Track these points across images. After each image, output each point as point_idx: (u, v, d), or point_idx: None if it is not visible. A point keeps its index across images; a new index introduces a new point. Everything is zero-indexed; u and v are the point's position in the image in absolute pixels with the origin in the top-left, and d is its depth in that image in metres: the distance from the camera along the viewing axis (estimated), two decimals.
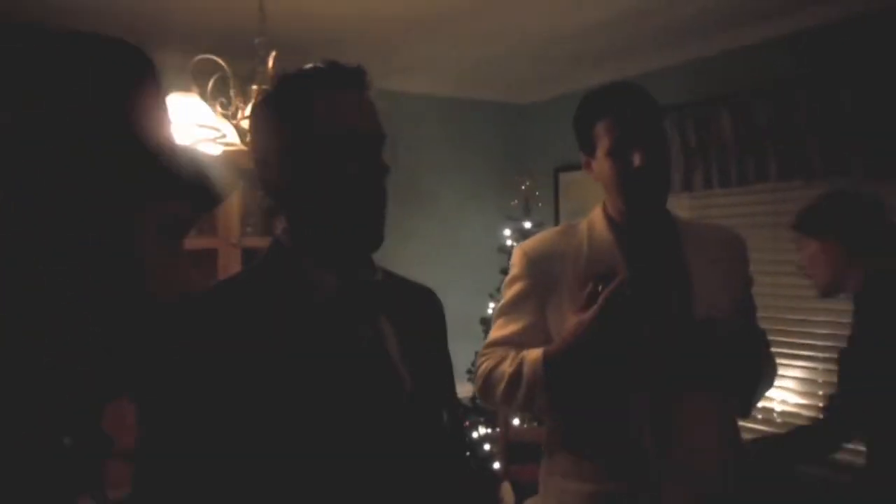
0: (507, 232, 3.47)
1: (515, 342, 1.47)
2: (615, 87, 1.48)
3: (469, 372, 2.82)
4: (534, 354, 1.38)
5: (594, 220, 1.51)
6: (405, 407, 1.04)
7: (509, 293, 1.52)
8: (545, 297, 1.47)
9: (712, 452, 1.41)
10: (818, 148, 2.62)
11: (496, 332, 1.51)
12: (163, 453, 0.95)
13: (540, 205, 3.62)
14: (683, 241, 1.48)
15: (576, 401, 1.41)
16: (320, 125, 1.00)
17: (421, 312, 1.17)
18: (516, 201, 3.60)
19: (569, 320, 1.36)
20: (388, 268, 1.14)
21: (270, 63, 1.96)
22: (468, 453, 1.33)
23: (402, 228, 3.63)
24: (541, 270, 1.48)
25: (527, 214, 3.49)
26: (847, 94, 2.52)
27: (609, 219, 1.49)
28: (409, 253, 3.55)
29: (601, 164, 1.44)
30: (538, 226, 3.34)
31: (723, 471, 1.43)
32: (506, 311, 1.52)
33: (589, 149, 1.47)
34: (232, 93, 2.01)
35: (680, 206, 3.23)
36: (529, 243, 1.55)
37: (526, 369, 1.38)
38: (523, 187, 3.51)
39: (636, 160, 1.38)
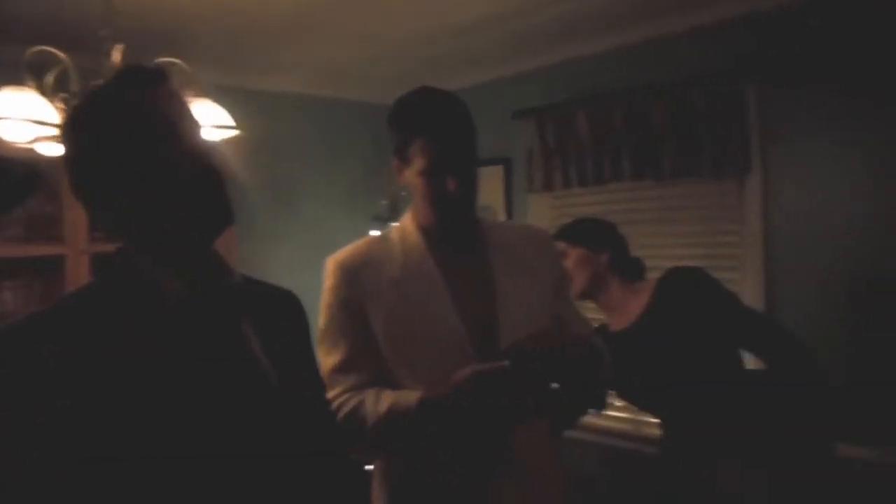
0: (375, 233, 3.42)
1: (351, 369, 1.43)
2: (434, 103, 1.44)
3: None
4: (407, 402, 1.35)
5: (406, 228, 1.52)
6: (273, 404, 1.04)
7: (327, 308, 1.47)
8: (365, 306, 1.44)
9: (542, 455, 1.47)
10: (669, 150, 2.78)
11: (328, 361, 1.46)
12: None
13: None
14: (489, 244, 1.51)
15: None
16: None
17: (281, 314, 1.16)
18: (385, 202, 3.59)
19: (446, 377, 1.32)
20: (258, 272, 1.13)
21: (116, 57, 1.83)
22: (343, 446, 1.28)
23: (271, 233, 3.54)
24: (356, 280, 1.45)
25: (394, 215, 3.48)
26: (699, 97, 2.69)
27: (420, 227, 1.50)
28: (279, 257, 3.46)
29: (413, 177, 1.43)
30: None
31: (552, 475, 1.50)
32: (329, 334, 1.47)
33: (402, 157, 1.45)
34: (74, 88, 1.85)
35: (542, 205, 3.35)
36: (342, 254, 1.50)
37: (399, 413, 1.35)
38: (391, 187, 3.49)
39: (450, 186, 1.39)
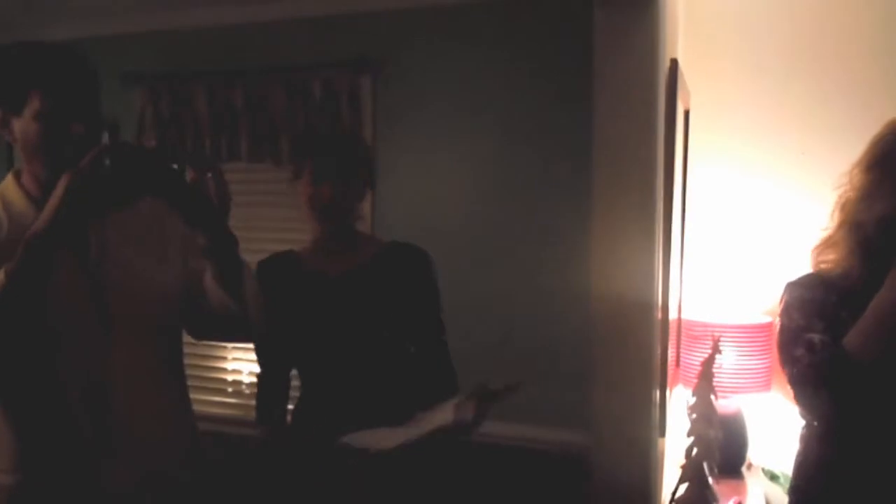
0: None
1: None
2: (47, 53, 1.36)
3: None
4: None
5: (7, 194, 1.38)
6: None
7: None
8: None
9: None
10: (287, 135, 2.80)
11: None
12: None
13: None
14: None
15: None
16: None
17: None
18: None
19: None
20: None
21: None
22: None
23: None
24: None
25: None
26: (317, 85, 2.75)
27: (25, 191, 1.38)
28: None
29: (27, 125, 1.32)
30: None
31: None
32: None
33: (10, 106, 1.33)
34: None
35: None
36: None
37: None
38: None
39: (75, 130, 1.32)
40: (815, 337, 1.49)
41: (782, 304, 1.61)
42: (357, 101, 2.73)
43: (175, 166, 1.25)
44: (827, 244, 1.59)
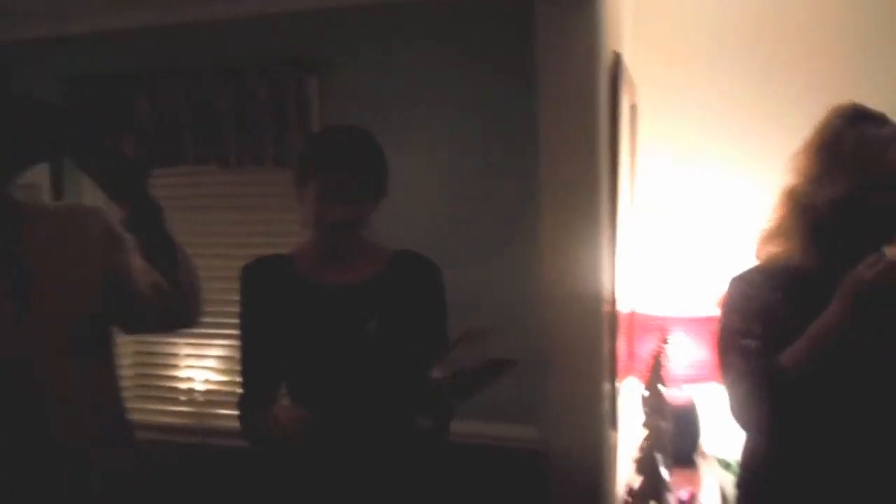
0: None
1: None
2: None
3: None
4: None
5: None
6: None
7: None
8: None
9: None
10: (232, 136, 2.75)
11: None
12: None
13: None
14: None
15: None
16: None
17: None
18: None
19: None
20: None
21: None
22: None
23: None
24: None
25: None
26: (261, 84, 2.70)
27: None
28: None
29: None
30: None
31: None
32: None
33: None
34: None
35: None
36: None
37: None
38: None
39: None
40: (752, 344, 1.49)
41: (724, 300, 1.61)
42: (304, 102, 2.70)
43: (87, 125, 1.18)
44: (774, 233, 1.57)
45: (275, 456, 1.64)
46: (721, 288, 1.62)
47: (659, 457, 2.04)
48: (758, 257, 1.62)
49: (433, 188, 2.59)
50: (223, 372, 2.94)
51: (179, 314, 1.51)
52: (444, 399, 1.49)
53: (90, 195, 3.05)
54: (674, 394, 2.22)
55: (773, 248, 1.56)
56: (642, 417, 2.06)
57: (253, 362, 1.67)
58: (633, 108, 2.50)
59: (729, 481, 2.36)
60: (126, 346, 3.03)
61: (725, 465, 2.40)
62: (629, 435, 2.41)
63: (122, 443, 1.56)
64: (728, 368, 1.53)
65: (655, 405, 2.06)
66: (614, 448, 2.27)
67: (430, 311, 1.65)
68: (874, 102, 1.54)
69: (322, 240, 1.62)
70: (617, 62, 2.05)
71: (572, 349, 1.86)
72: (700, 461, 2.54)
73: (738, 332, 1.50)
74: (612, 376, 2.06)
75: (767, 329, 1.48)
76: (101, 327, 1.51)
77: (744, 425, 1.54)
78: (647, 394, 2.06)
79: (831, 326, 1.40)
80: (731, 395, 1.53)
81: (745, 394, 1.50)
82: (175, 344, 2.99)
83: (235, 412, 1.67)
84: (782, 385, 1.44)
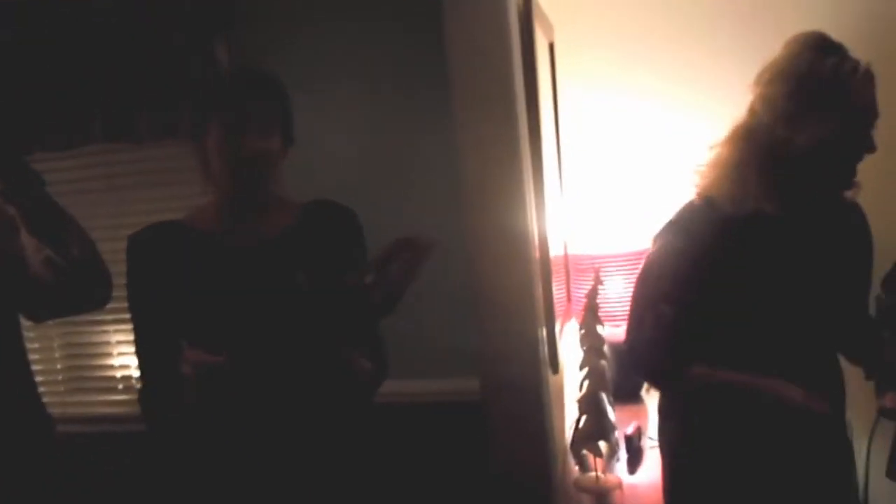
0: None
1: None
2: None
3: None
4: None
5: None
6: None
7: None
8: None
9: None
10: (144, 110, 2.61)
11: None
12: None
13: None
14: None
15: None
16: None
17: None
18: None
19: None
20: None
21: None
22: None
23: None
24: None
25: None
26: (170, 52, 2.56)
27: None
28: None
29: None
30: None
31: None
32: None
33: None
34: None
35: None
36: None
37: None
38: None
39: None
40: (666, 311, 1.45)
41: (649, 254, 1.55)
42: (213, 65, 2.57)
43: None
44: (721, 175, 1.47)
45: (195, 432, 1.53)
46: (657, 220, 1.58)
47: (602, 395, 2.03)
48: (698, 189, 1.53)
49: (350, 139, 2.52)
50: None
51: (82, 293, 1.42)
52: (372, 305, 1.39)
53: None
54: (613, 332, 2.20)
55: (718, 191, 1.47)
56: (580, 358, 2.05)
57: (155, 345, 1.50)
58: (552, 46, 2.45)
59: None
60: (53, 339, 2.92)
61: None
62: (573, 378, 2.41)
63: (37, 437, 1.48)
64: (631, 335, 1.52)
65: (593, 345, 2.04)
66: (559, 392, 2.27)
67: (351, 257, 1.55)
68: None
69: (231, 187, 1.48)
70: (528, 2, 1.99)
71: (504, 294, 1.83)
72: (645, 396, 2.56)
73: (652, 300, 1.48)
74: (550, 320, 2.04)
75: (683, 297, 1.45)
76: (2, 315, 1.41)
77: (631, 369, 1.56)
78: (583, 334, 2.04)
79: (767, 394, 1.41)
80: (629, 345, 1.52)
81: (639, 361, 1.51)
82: (105, 332, 2.89)
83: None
84: (673, 385, 1.45)
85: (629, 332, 1.54)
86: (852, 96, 1.36)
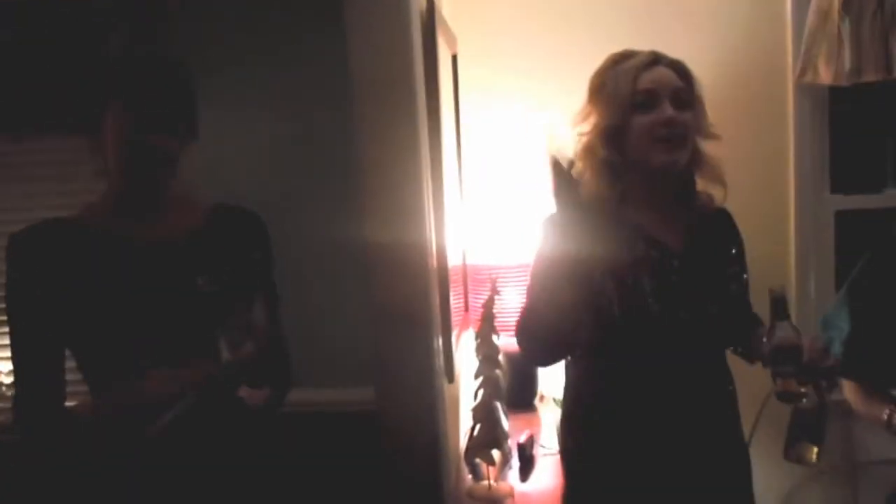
0: None
1: None
2: None
3: None
4: None
5: None
6: None
7: None
8: None
9: None
10: (19, 102, 2.46)
11: None
12: None
13: None
14: None
15: None
16: None
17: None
18: None
19: None
20: None
21: None
22: None
23: None
24: None
25: None
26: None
27: None
28: None
29: None
30: None
31: None
32: None
33: None
34: None
35: None
36: None
37: None
38: None
39: None
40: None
41: (538, 247, 1.61)
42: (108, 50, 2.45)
43: None
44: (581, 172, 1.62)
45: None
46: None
47: (496, 404, 2.05)
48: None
49: (251, 152, 2.46)
50: None
51: None
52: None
53: None
54: (508, 342, 2.23)
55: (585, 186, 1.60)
56: (475, 367, 2.06)
57: (35, 349, 1.41)
58: (455, 57, 2.47)
59: None
60: None
61: (560, 404, 2.48)
62: (469, 387, 2.43)
63: None
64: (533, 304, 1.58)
65: (488, 354, 2.07)
66: (455, 401, 2.28)
67: (257, 264, 1.52)
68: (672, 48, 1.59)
69: (127, 183, 1.39)
70: (430, 8, 2.00)
71: (400, 303, 1.82)
72: (539, 404, 2.61)
73: (546, 274, 1.52)
74: (447, 329, 2.05)
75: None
76: None
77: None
78: (478, 343, 2.06)
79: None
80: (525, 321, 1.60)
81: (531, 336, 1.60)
82: None
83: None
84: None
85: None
86: (631, 87, 1.51)
